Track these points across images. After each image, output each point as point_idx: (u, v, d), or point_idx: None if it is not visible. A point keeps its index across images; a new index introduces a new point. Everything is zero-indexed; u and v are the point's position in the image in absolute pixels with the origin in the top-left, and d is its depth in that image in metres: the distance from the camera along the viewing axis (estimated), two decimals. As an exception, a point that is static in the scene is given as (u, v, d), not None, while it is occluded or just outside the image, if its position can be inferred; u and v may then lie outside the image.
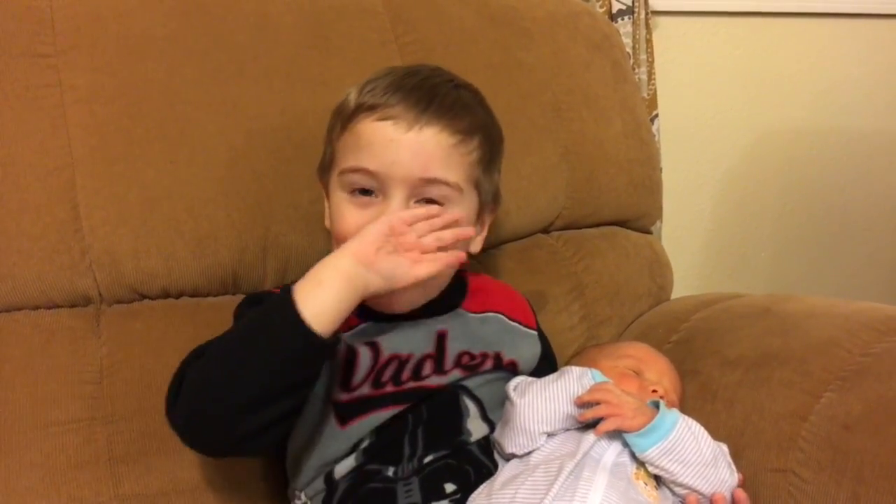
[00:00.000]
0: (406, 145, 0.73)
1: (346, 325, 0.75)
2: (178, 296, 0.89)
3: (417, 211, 0.74)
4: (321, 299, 0.67)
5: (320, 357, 0.68)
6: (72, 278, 0.85)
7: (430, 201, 0.76)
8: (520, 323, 0.87)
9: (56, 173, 0.84)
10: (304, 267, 0.92)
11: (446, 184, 0.75)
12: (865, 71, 1.86)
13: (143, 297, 0.88)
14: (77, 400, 0.82)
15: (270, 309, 0.69)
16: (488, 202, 0.83)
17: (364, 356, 0.77)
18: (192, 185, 0.88)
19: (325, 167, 0.81)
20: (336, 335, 0.69)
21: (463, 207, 0.78)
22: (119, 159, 0.86)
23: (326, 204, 0.82)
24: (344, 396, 0.76)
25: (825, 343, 0.89)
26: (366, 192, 0.76)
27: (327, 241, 0.82)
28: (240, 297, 0.91)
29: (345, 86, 0.94)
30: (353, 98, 0.78)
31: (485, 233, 0.85)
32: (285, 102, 0.93)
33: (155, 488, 0.81)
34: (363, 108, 0.76)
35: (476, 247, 0.84)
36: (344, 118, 0.78)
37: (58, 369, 0.82)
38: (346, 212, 0.76)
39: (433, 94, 0.76)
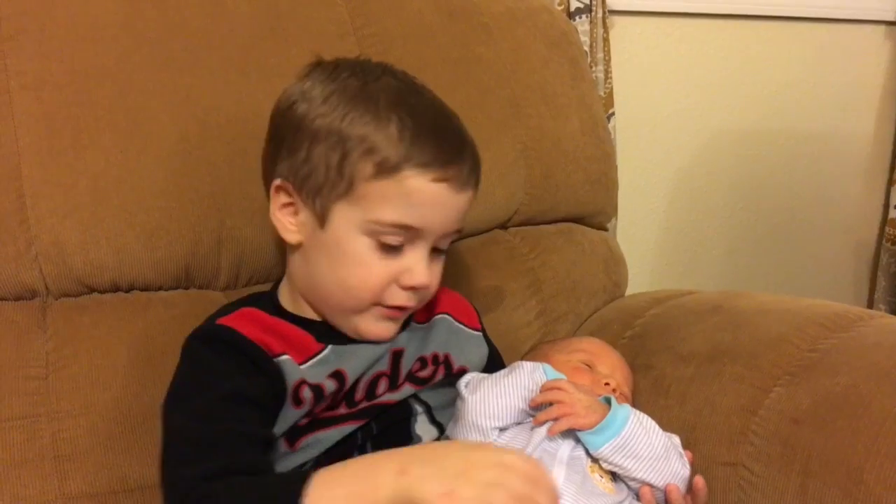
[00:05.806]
0: (454, 206, 0.74)
1: (308, 351, 0.74)
2: (129, 289, 0.87)
3: None
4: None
5: None
6: (16, 270, 0.82)
7: (436, 249, 0.76)
8: (464, 325, 0.87)
9: (0, 162, 0.81)
10: (258, 261, 0.92)
11: (458, 231, 0.77)
12: (813, 74, 1.91)
13: (92, 290, 0.86)
14: (21, 396, 0.79)
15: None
16: None
17: (329, 389, 0.74)
18: (144, 175, 0.86)
19: (319, 187, 0.71)
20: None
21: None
22: (67, 148, 0.83)
23: (280, 209, 0.75)
24: (301, 421, 0.73)
25: (774, 339, 0.91)
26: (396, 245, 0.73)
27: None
28: (193, 292, 0.90)
29: (302, 77, 0.94)
30: (391, 145, 0.70)
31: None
32: (240, 93, 0.91)
33: (103, 487, 0.79)
34: (412, 164, 0.70)
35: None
36: (382, 163, 0.70)
37: (1, 364, 0.79)
38: (372, 261, 0.72)
39: (469, 147, 0.75)
